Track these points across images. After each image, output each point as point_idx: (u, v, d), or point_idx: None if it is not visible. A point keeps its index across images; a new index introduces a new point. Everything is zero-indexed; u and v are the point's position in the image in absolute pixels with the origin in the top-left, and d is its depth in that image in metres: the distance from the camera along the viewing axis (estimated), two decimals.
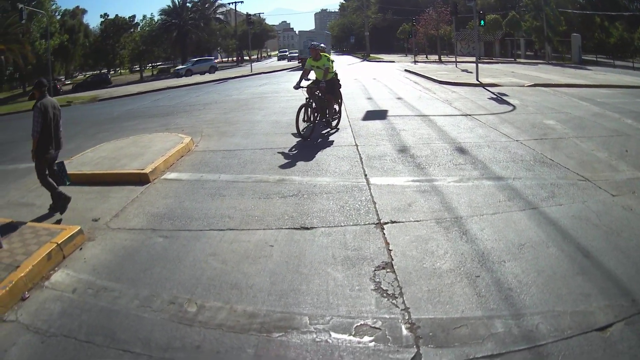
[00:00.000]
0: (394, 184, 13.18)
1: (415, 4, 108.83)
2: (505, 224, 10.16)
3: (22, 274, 8.77)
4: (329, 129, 20.34)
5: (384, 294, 7.78)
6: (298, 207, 11.88)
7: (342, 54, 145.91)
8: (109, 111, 36.85)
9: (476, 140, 17.66)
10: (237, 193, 13.18)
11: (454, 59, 67.48)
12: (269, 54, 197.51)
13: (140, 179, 14.72)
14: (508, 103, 26.55)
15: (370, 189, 12.83)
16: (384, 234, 10.03)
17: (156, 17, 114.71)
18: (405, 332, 6.83)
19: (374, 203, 11.77)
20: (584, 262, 8.47)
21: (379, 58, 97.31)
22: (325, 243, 9.84)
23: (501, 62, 69.72)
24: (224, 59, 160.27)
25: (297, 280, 8.41)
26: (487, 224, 10.18)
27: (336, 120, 21.13)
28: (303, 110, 19.02)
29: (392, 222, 10.60)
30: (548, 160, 14.53)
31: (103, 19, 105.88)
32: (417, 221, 10.59)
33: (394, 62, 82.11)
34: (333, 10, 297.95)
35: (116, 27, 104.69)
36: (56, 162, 12.81)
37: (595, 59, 63.84)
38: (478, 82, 36.61)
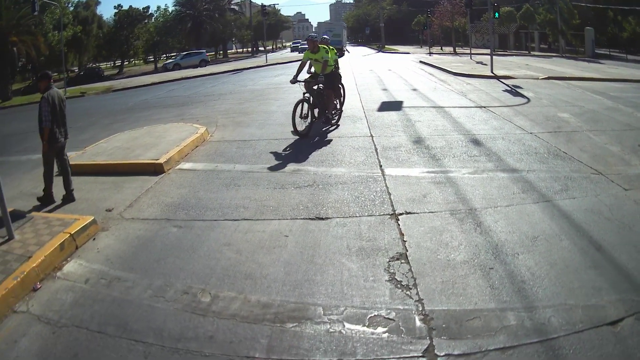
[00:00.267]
0: (409, 175, 13.15)
1: None
2: (519, 216, 10.11)
3: (34, 265, 8.78)
4: (328, 126, 19.63)
5: (398, 285, 7.75)
6: (313, 197, 11.89)
7: (357, 45, 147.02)
8: (123, 102, 36.94)
9: (491, 132, 17.60)
10: (252, 183, 13.20)
11: (468, 51, 67.11)
12: (284, 44, 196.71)
13: (154, 169, 14.76)
14: (522, 95, 26.46)
15: (385, 179, 12.81)
16: (399, 224, 10.00)
17: (170, 8, 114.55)
18: (418, 323, 6.81)
19: (389, 194, 11.75)
20: (596, 256, 8.41)
21: (394, 49, 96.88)
22: (340, 233, 9.82)
23: (515, 55, 69.35)
24: (238, 50, 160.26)
25: (312, 270, 8.40)
26: (501, 216, 10.13)
27: (337, 117, 20.58)
28: (300, 106, 17.95)
29: (407, 213, 10.58)
30: (562, 153, 14.45)
31: (117, 10, 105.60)
32: (432, 212, 10.57)
33: (409, 53, 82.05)
34: (348, 2, 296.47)
35: (130, 18, 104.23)
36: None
37: (608, 52, 63.51)
38: (493, 75, 36.50)
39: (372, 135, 17.81)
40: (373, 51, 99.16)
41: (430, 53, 75.80)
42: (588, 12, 66.84)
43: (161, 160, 15.05)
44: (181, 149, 16.43)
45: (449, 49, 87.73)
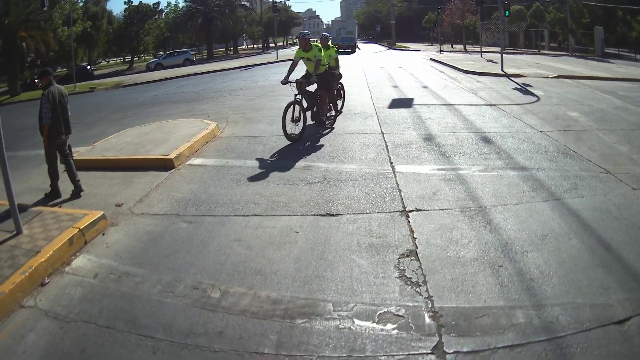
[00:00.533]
0: (420, 172, 13.16)
1: None
2: (529, 214, 10.10)
3: (43, 260, 8.81)
4: (322, 130, 18.54)
5: (408, 282, 7.76)
6: (323, 193, 11.92)
7: (368, 42, 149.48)
8: (133, 97, 37.01)
9: (501, 130, 17.58)
10: (262, 179, 13.24)
11: (479, 49, 67.19)
12: (294, 40, 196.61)
13: (164, 165, 14.78)
14: (532, 94, 26.38)
15: (395, 176, 12.83)
16: (409, 221, 10.01)
17: (181, 4, 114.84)
18: (428, 320, 6.81)
19: (400, 191, 11.77)
20: (604, 255, 8.39)
21: (405, 47, 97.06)
22: (350, 230, 9.82)
23: (525, 53, 69.23)
24: (249, 46, 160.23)
25: (322, 266, 8.41)
26: (511, 214, 10.12)
27: (332, 119, 19.93)
28: (291, 109, 17.01)
29: (417, 210, 10.60)
30: (571, 152, 14.42)
31: (127, 6, 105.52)
32: (442, 210, 10.57)
33: (419, 50, 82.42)
34: None
35: (140, 13, 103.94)
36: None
37: (617, 52, 63.21)
38: (503, 73, 36.45)
39: (382, 132, 17.77)
40: (384, 48, 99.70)
41: (440, 51, 75.52)
42: (597, 11, 66.63)
43: (171, 156, 15.05)
44: (191, 145, 16.43)
45: (460, 46, 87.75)
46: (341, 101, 21.61)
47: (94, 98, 41.40)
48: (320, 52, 17.78)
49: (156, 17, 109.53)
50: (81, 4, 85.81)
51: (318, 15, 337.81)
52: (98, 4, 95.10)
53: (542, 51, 75.51)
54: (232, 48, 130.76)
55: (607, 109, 21.17)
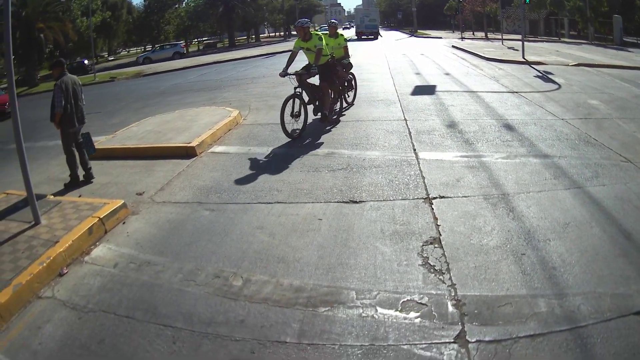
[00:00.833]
0: (443, 159, 13.05)
1: None
2: (551, 202, 9.99)
3: (61, 250, 8.82)
4: (327, 125, 17.41)
5: (431, 270, 7.70)
6: (347, 180, 11.86)
7: (390, 30, 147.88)
8: (154, 86, 37.24)
9: (523, 117, 17.40)
10: (285, 166, 13.20)
11: (499, 37, 67.21)
12: (316, 29, 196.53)
13: (186, 153, 14.82)
14: (553, 81, 26.02)
15: (419, 163, 12.74)
16: (433, 209, 9.94)
17: None
18: (451, 308, 6.76)
19: (423, 178, 11.70)
20: (625, 244, 8.28)
21: (426, 34, 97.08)
22: (374, 217, 9.76)
23: (546, 41, 68.58)
24: (270, 34, 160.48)
25: (345, 254, 8.36)
26: (534, 202, 10.01)
27: (335, 114, 18.59)
28: (291, 103, 15.89)
29: (441, 197, 10.53)
30: (592, 140, 14.27)
31: None
32: (465, 197, 10.49)
33: (441, 38, 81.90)
34: None
35: (160, 2, 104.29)
36: (82, 133, 13.27)
37: (636, 40, 62.73)
38: (524, 60, 36.11)
39: (405, 119, 17.66)
40: (405, 36, 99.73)
41: (462, 38, 75.24)
42: (616, 0, 66.21)
43: (193, 144, 15.06)
44: (214, 132, 16.43)
45: (481, 34, 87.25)
46: (353, 92, 21.24)
47: (114, 87, 41.92)
48: (321, 40, 16.51)
49: (176, 6, 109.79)
50: None
51: (340, 3, 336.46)
52: None
53: (562, 39, 74.87)
54: (253, 36, 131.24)
55: (626, 98, 20.98)
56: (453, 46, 56.47)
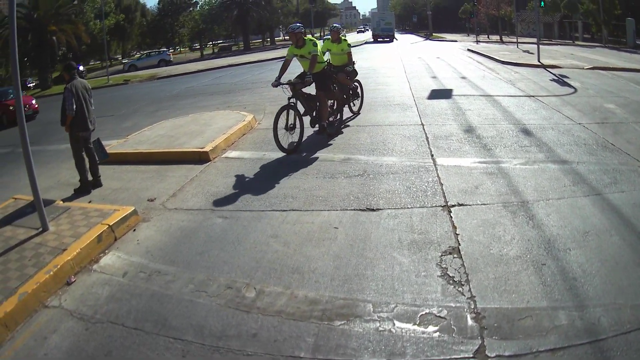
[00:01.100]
0: (461, 165, 12.85)
1: None
2: (571, 209, 9.80)
3: (69, 258, 8.71)
4: (323, 137, 16.28)
5: (450, 281, 7.51)
6: (363, 187, 11.65)
7: (405, 33, 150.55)
8: (168, 89, 37.39)
9: (540, 122, 17.18)
10: (300, 172, 13.03)
11: (514, 40, 67.39)
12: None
13: (200, 158, 14.67)
14: (569, 85, 25.88)
15: (437, 169, 12.53)
16: (451, 217, 9.72)
17: None
18: (470, 322, 6.57)
19: (441, 184, 11.49)
20: None
21: (442, 37, 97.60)
22: (391, 225, 9.55)
23: (560, 44, 68.72)
24: (286, 37, 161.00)
25: (362, 264, 8.15)
26: (553, 210, 9.81)
27: (335, 125, 17.20)
28: (284, 114, 14.88)
29: (459, 204, 10.31)
30: (610, 145, 14.06)
31: None
32: (484, 204, 10.29)
33: (456, 41, 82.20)
34: None
35: (174, 5, 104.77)
36: (92, 140, 13.38)
37: None
38: (539, 63, 36.06)
39: (422, 124, 17.43)
40: (420, 39, 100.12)
41: (477, 41, 75.77)
42: (629, 2, 66.09)
43: (207, 149, 14.90)
44: (227, 137, 16.27)
45: (496, 37, 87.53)
46: (359, 101, 20.18)
47: (127, 90, 42.26)
48: (316, 47, 15.36)
49: (191, 9, 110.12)
50: None
51: (355, 7, 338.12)
52: None
53: (576, 42, 74.93)
54: (268, 39, 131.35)
55: None
56: (468, 49, 56.47)
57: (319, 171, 12.99)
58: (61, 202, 11.67)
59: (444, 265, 7.93)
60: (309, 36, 16.07)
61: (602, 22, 66.85)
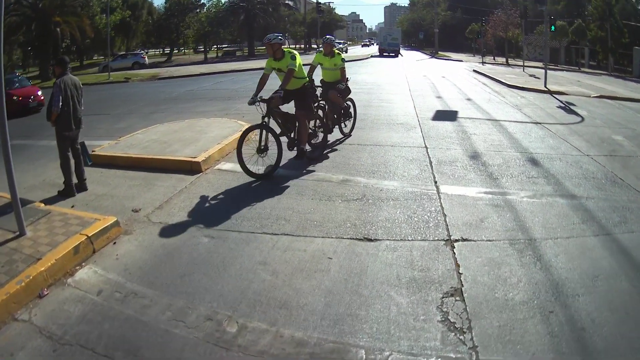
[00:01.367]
0: (466, 194, 12.29)
1: (484, 4, 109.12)
2: (580, 250, 9.30)
3: (43, 269, 8.18)
4: (303, 162, 14.76)
5: (451, 327, 6.92)
6: (362, 213, 11.01)
7: (411, 49, 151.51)
8: (168, 90, 37.28)
9: (547, 151, 16.79)
10: (295, 192, 12.40)
11: (520, 63, 67.58)
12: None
13: (191, 168, 14.13)
14: (576, 113, 25.82)
15: (440, 198, 11.95)
16: (454, 253, 9.12)
17: None
18: None
19: (444, 215, 10.87)
20: None
21: (447, 56, 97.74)
22: (389, 259, 8.91)
23: (566, 70, 69.40)
24: (291, 45, 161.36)
25: (356, 303, 7.53)
26: (562, 250, 9.27)
27: (318, 149, 15.77)
28: (259, 134, 13.72)
29: (463, 239, 9.71)
30: (619, 180, 13.70)
31: None
32: (490, 241, 9.69)
33: (461, 61, 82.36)
34: (403, 5, 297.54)
35: (181, 6, 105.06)
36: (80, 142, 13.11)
37: None
38: (546, 89, 36.05)
39: (426, 147, 16.97)
40: (426, 56, 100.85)
41: (483, 62, 76.18)
42: (638, 31, 66.10)
43: (199, 159, 14.32)
44: (222, 147, 15.69)
45: (501, 59, 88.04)
46: (351, 122, 18.70)
47: (127, 89, 42.17)
48: (294, 60, 13.79)
49: (197, 10, 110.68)
50: None
51: (362, 20, 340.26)
52: None
53: (582, 69, 75.42)
54: None
55: None
56: (474, 70, 56.62)
57: (316, 192, 12.34)
58: (42, 204, 11.12)
59: (445, 309, 7.33)
60: (288, 48, 15.15)
61: (609, 49, 67.05)
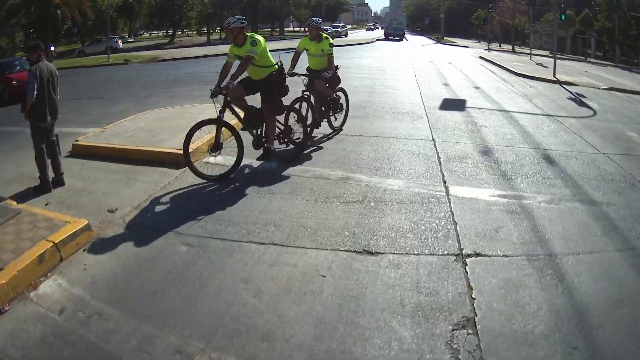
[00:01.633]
0: (478, 197, 11.22)
1: None
2: (603, 269, 8.31)
3: (4, 281, 7.31)
4: (272, 162, 13.33)
5: None
6: (362, 219, 9.88)
7: (416, 34, 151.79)
8: (166, 73, 37.16)
9: (562, 147, 15.87)
10: (289, 191, 11.31)
11: (527, 51, 68.00)
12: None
13: (177, 160, 12.98)
14: (587, 106, 25.04)
15: (450, 201, 10.87)
16: (467, 271, 7.99)
17: None
18: None
19: (455, 223, 9.75)
20: None
21: (453, 42, 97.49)
22: (392, 279, 7.75)
23: (573, 60, 69.55)
24: (295, 28, 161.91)
25: (351, 336, 6.43)
26: (584, 268, 8.26)
27: (297, 148, 14.25)
28: (215, 129, 12.35)
29: (477, 254, 8.57)
30: (637, 183, 12.81)
31: None
32: (506, 256, 8.58)
33: (467, 47, 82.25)
34: None
35: None
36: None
37: None
38: (555, 79, 35.33)
39: (434, 139, 15.98)
40: (431, 42, 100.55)
41: (489, 49, 76.08)
42: None
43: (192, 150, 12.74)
44: (212, 138, 13.90)
45: (507, 46, 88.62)
46: (343, 115, 16.83)
47: (125, 71, 41.83)
48: (255, 46, 12.02)
49: None
50: None
51: (367, 4, 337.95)
52: None
53: (588, 59, 75.22)
54: (277, 29, 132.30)
55: None
56: (480, 57, 56.27)
57: (312, 191, 11.25)
58: (14, 202, 10.28)
59: (456, 345, 6.27)
60: (251, 33, 12.53)
61: (616, 41, 66.93)
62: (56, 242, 8.37)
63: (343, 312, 6.85)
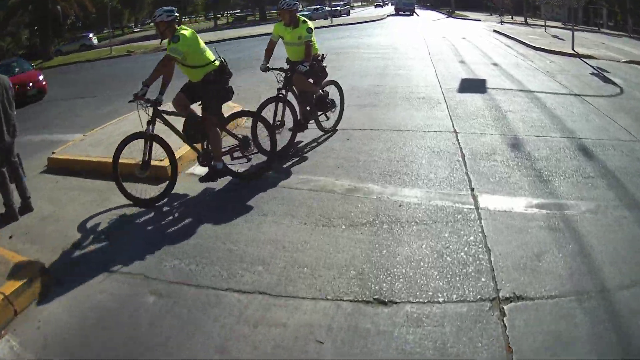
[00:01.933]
0: (512, 209, 9.35)
1: None
2: None
3: None
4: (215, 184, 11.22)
5: None
6: (373, 250, 7.98)
7: (427, 9, 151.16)
8: None
9: (596, 134, 14.17)
10: (285, 211, 9.53)
11: (539, 22, 67.96)
12: (352, 5, 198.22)
13: (156, 175, 11.09)
14: (612, 82, 23.23)
15: (480, 217, 9.00)
16: (505, 325, 6.06)
17: None
18: None
19: (488, 250, 7.83)
20: None
21: (464, 15, 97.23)
22: (409, 344, 5.85)
23: (586, 31, 68.13)
24: (304, 8, 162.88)
25: None
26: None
27: (266, 162, 11.71)
28: (145, 144, 10.64)
29: (517, 297, 6.60)
30: None
31: None
32: (552, 298, 6.59)
33: (479, 20, 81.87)
34: None
35: None
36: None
37: None
38: (574, 52, 34.12)
39: (456, 131, 14.20)
40: (443, 16, 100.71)
41: (502, 22, 75.62)
42: None
43: (165, 162, 11.12)
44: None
45: (519, 19, 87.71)
46: (337, 114, 14.56)
47: (126, 63, 41.92)
48: (176, 42, 10.19)
49: None
50: None
51: None
52: None
53: (601, 30, 73.95)
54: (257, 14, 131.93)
55: None
56: (494, 30, 55.67)
57: (311, 211, 9.44)
58: None
59: None
60: (182, 26, 10.73)
61: (627, 11, 66.24)
62: (8, 294, 7.06)
63: None
